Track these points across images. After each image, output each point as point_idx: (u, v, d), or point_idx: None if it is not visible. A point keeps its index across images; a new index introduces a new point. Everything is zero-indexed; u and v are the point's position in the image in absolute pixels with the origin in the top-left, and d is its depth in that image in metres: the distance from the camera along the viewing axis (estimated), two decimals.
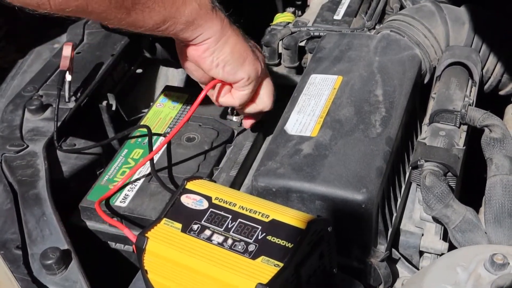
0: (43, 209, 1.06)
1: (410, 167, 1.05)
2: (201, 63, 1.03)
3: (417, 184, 1.03)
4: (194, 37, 0.98)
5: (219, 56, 1.01)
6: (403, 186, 1.08)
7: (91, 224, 1.08)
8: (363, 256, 0.98)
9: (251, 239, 0.86)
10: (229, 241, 0.86)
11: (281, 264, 0.82)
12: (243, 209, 0.90)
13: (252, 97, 1.10)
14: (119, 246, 1.08)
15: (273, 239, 0.85)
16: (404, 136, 1.07)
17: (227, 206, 0.91)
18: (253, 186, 0.99)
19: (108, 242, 1.09)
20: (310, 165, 0.97)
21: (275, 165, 0.98)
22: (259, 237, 0.86)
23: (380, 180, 0.95)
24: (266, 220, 0.87)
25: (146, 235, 0.89)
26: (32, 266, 0.98)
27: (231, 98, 1.10)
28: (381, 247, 1.00)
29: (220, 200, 0.91)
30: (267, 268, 0.82)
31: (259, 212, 0.88)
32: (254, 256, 0.84)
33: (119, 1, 0.87)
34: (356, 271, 0.98)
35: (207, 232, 0.88)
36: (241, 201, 0.91)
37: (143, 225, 1.04)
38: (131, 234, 0.95)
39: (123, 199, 1.07)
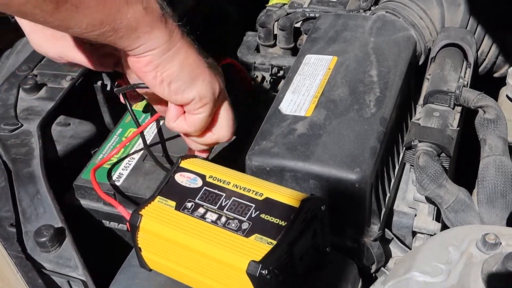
0: (37, 187, 1.06)
1: (404, 148, 1.05)
2: (143, 78, 0.88)
3: (411, 165, 1.04)
4: (135, 47, 0.83)
5: (164, 71, 0.86)
6: (397, 167, 1.08)
7: (85, 203, 1.09)
8: (356, 236, 0.98)
9: (244, 217, 0.86)
10: (223, 219, 0.87)
11: (275, 242, 0.82)
12: (237, 187, 0.90)
13: (209, 125, 0.96)
14: (113, 224, 1.09)
15: (267, 217, 0.85)
16: (398, 116, 1.08)
17: (221, 184, 0.91)
18: (247, 165, 0.99)
19: (102, 220, 1.09)
20: (304, 145, 0.97)
21: (269, 145, 0.98)
22: (253, 215, 0.86)
23: (374, 160, 0.96)
24: (260, 198, 0.88)
25: (140, 212, 0.90)
26: (26, 243, 0.98)
27: (184, 123, 0.94)
28: (374, 227, 1.00)
29: (214, 179, 0.92)
30: (261, 245, 0.82)
31: (253, 191, 0.89)
32: (247, 234, 0.84)
33: None
34: (349, 250, 0.98)
35: (201, 210, 0.88)
36: (235, 179, 0.91)
37: (138, 203, 1.04)
38: (125, 211, 0.96)
39: (117, 177, 1.07)
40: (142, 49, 0.83)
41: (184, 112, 0.94)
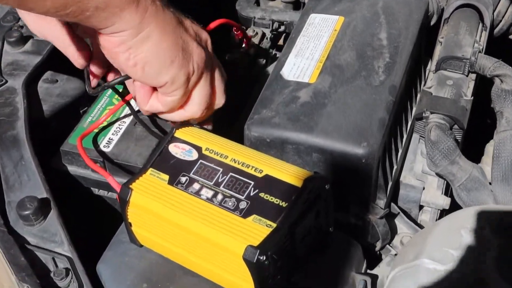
0: (21, 152, 0.99)
1: (413, 118, 0.99)
2: (114, 58, 0.83)
3: (421, 136, 0.97)
4: (104, 27, 0.77)
5: (137, 54, 0.81)
6: (405, 136, 1.02)
7: (72, 169, 1.02)
8: (361, 213, 0.92)
9: (242, 196, 0.80)
10: (219, 197, 0.81)
11: (274, 225, 0.76)
12: (235, 162, 0.83)
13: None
14: (102, 192, 1.02)
15: (266, 196, 0.79)
16: (408, 83, 1.00)
17: (218, 158, 0.84)
18: (245, 135, 0.92)
19: (91, 188, 1.02)
20: (307, 115, 0.90)
21: (269, 114, 0.92)
22: (251, 194, 0.80)
23: (382, 133, 0.89)
24: (260, 175, 0.81)
25: (131, 186, 0.84)
26: (8, 215, 0.92)
27: (157, 103, 0.90)
28: (380, 202, 0.94)
29: (211, 151, 0.85)
30: (259, 228, 0.76)
31: (252, 167, 0.82)
32: (245, 214, 0.78)
33: None
34: (353, 227, 0.92)
35: (196, 186, 0.82)
36: (233, 153, 0.84)
37: (128, 171, 0.98)
38: (115, 182, 0.89)
39: (106, 143, 1.00)
40: (112, 29, 0.78)
41: (155, 90, 0.90)
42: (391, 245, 0.95)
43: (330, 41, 1.00)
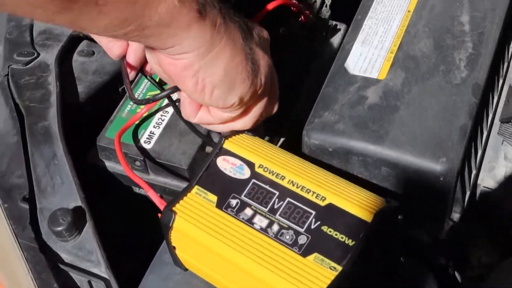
0: (54, 149, 0.90)
1: (500, 120, 0.86)
2: (180, 83, 0.72)
3: (506, 138, 0.84)
4: (168, 47, 0.66)
5: (206, 77, 0.69)
6: (485, 134, 0.89)
7: (110, 165, 0.92)
8: (434, 231, 0.81)
9: (302, 228, 0.69)
10: (275, 227, 0.70)
11: (339, 268, 0.66)
12: (293, 184, 0.72)
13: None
14: (143, 192, 0.92)
15: (330, 231, 0.68)
16: (492, 75, 0.87)
17: (273, 178, 0.73)
18: (304, 142, 0.80)
19: (132, 186, 0.93)
20: (377, 121, 0.78)
21: (333, 118, 0.79)
22: (312, 226, 0.69)
23: (464, 144, 0.76)
24: (322, 203, 0.70)
25: (174, 208, 0.73)
26: (40, 225, 0.83)
27: (208, 115, 0.78)
28: (455, 216, 0.83)
29: (265, 169, 0.74)
30: (321, 271, 0.66)
31: (314, 192, 0.71)
32: (305, 252, 0.68)
33: None
34: (426, 245, 0.81)
35: (248, 212, 0.72)
36: (291, 173, 0.73)
37: (172, 171, 0.87)
38: (157, 198, 0.79)
39: (147, 138, 0.89)
40: (178, 50, 0.66)
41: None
42: (468, 266, 0.83)
43: (403, 25, 0.86)
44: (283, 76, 0.86)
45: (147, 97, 0.90)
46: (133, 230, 0.92)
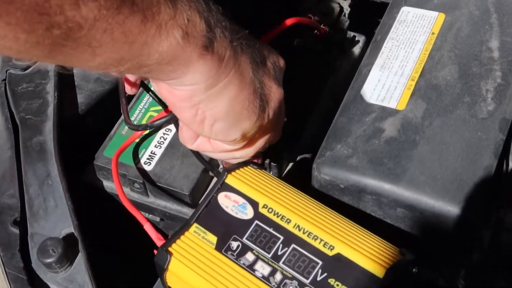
0: (48, 167, 0.84)
1: None
2: (176, 112, 0.66)
3: None
4: (168, 79, 0.60)
5: (206, 110, 0.63)
6: (511, 165, 0.82)
7: (108, 185, 0.86)
8: (451, 276, 0.75)
9: (307, 279, 0.64)
10: (278, 276, 0.64)
11: None
12: (299, 229, 0.67)
13: None
14: (143, 213, 0.87)
15: (337, 284, 0.63)
16: None
17: (278, 221, 0.68)
18: (314, 176, 0.74)
19: None
20: (393, 157, 0.72)
21: (345, 151, 0.73)
22: (318, 278, 0.64)
23: (488, 186, 0.70)
24: (330, 253, 0.65)
25: (170, 249, 0.68)
26: (31, 253, 0.78)
27: (207, 144, 0.73)
28: (475, 256, 0.77)
29: (270, 210, 0.68)
30: None
31: (321, 240, 0.65)
32: None
33: (35, 35, 0.47)
34: None
35: (249, 257, 0.66)
36: (298, 215, 0.67)
37: (172, 196, 0.82)
38: (154, 232, 0.74)
39: (148, 159, 0.84)
40: (177, 83, 0.59)
41: None
42: None
43: (426, 49, 0.80)
44: (295, 93, 0.80)
45: (144, 123, 0.84)
46: (130, 260, 0.87)
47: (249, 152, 0.72)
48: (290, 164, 0.86)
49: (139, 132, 0.84)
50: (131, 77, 0.78)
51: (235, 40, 0.60)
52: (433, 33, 0.81)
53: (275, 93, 0.67)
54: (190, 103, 0.62)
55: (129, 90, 0.78)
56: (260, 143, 0.71)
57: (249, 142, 0.70)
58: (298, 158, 0.87)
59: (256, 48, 0.65)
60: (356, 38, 0.98)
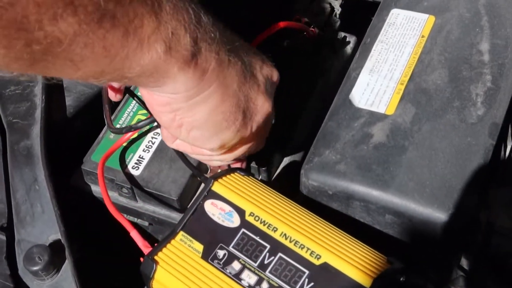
0: (35, 172, 0.83)
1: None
2: (156, 115, 0.66)
3: None
4: (150, 87, 0.60)
5: (184, 117, 0.63)
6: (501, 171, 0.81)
7: (96, 190, 0.86)
8: (441, 281, 0.74)
9: None
10: (264, 286, 0.64)
11: None
12: (286, 238, 0.66)
13: None
14: (131, 218, 0.86)
15: None
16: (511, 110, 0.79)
17: (265, 229, 0.67)
18: (302, 182, 0.74)
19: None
20: (382, 163, 0.71)
21: (334, 157, 0.73)
22: (305, 287, 0.63)
23: (476, 193, 0.69)
24: (317, 262, 0.64)
25: (156, 257, 0.67)
26: (17, 259, 0.77)
27: (187, 146, 0.72)
28: (465, 261, 0.76)
29: (256, 218, 0.68)
30: None
31: (308, 249, 0.65)
32: None
33: (14, 51, 0.45)
34: None
35: (236, 266, 0.65)
36: (285, 224, 0.67)
37: (160, 200, 0.81)
38: (141, 239, 0.73)
39: (136, 163, 0.83)
40: (158, 90, 0.59)
41: None
42: None
43: (416, 52, 0.79)
44: (284, 96, 0.79)
45: (126, 125, 0.83)
46: (120, 264, 0.86)
47: (228, 157, 0.71)
48: (280, 167, 0.85)
49: (126, 136, 0.83)
50: (115, 84, 0.77)
51: (223, 52, 0.59)
52: (423, 36, 0.80)
53: (262, 107, 0.66)
54: (169, 109, 0.62)
55: (113, 97, 0.77)
56: (240, 151, 0.70)
57: (229, 149, 0.69)
58: (288, 161, 0.86)
59: (248, 59, 0.64)
60: (347, 39, 0.97)
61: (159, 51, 0.53)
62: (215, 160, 0.72)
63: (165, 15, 0.53)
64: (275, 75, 0.69)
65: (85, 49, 0.48)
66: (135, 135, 0.84)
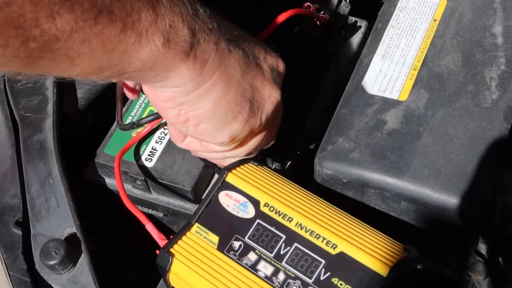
0: (49, 166, 0.84)
1: None
2: (161, 112, 0.66)
3: None
4: (151, 83, 0.60)
5: (189, 111, 0.62)
6: None
7: (110, 182, 0.86)
8: (459, 267, 0.74)
9: (310, 279, 0.63)
10: (281, 276, 0.64)
11: None
12: (301, 228, 0.66)
13: None
14: (146, 210, 0.86)
15: (341, 284, 0.62)
16: None
17: (280, 219, 0.67)
18: (316, 171, 0.73)
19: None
20: (396, 150, 0.71)
21: (347, 145, 0.72)
22: (321, 277, 0.63)
23: (493, 178, 0.69)
24: (333, 252, 0.64)
25: (172, 250, 0.67)
26: (34, 254, 0.78)
27: (198, 144, 0.71)
28: (482, 246, 0.76)
29: (271, 209, 0.67)
30: None
31: (324, 238, 0.64)
32: None
33: (10, 50, 0.45)
34: (449, 283, 0.74)
35: (252, 257, 0.65)
36: (300, 213, 0.66)
37: (175, 192, 0.81)
38: (157, 232, 0.73)
39: (149, 155, 0.83)
40: (160, 85, 0.59)
41: None
42: None
43: (428, 36, 0.78)
44: (295, 84, 0.79)
45: (132, 121, 0.84)
46: (137, 255, 0.86)
47: (240, 152, 0.70)
48: (293, 156, 0.85)
49: (143, 131, 0.83)
50: (131, 83, 0.77)
51: (223, 42, 0.59)
52: (435, 20, 0.79)
53: (269, 96, 0.65)
54: (173, 104, 0.61)
55: (130, 96, 0.77)
56: (251, 144, 0.70)
57: (240, 143, 0.69)
58: (301, 150, 0.86)
59: (250, 49, 0.63)
60: (358, 24, 0.97)
61: (158, 44, 0.52)
62: (228, 156, 0.71)
63: (162, 8, 0.53)
64: (280, 65, 0.68)
65: (82, 46, 0.48)
66: (146, 129, 0.84)
